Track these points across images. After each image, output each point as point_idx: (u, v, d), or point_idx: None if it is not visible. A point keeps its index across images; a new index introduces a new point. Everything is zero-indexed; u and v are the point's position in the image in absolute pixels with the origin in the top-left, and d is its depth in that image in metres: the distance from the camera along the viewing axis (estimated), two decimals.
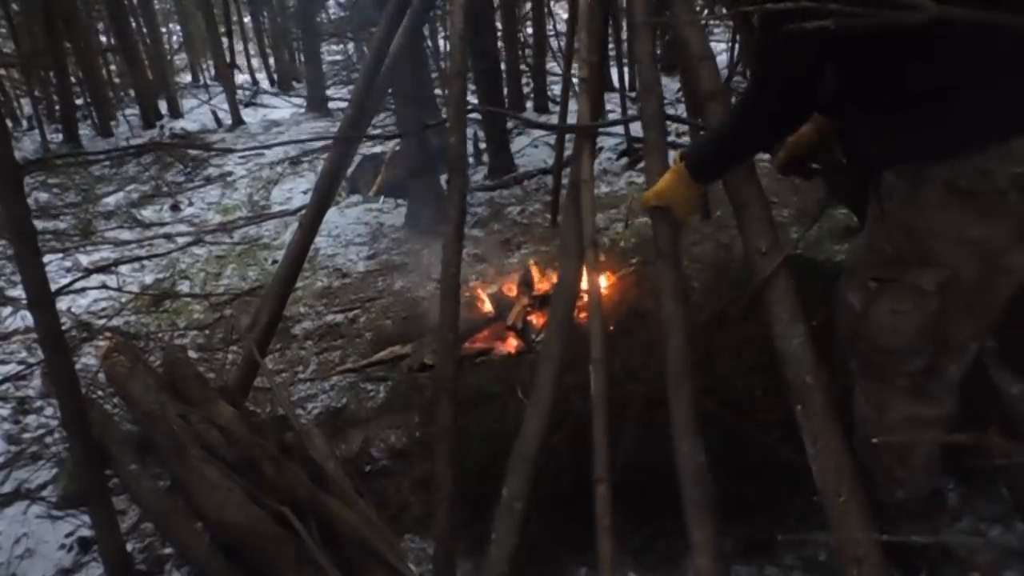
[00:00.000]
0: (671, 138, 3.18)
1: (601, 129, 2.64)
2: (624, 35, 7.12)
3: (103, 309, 4.28)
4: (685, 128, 4.44)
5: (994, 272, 1.25)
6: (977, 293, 1.27)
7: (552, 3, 9.24)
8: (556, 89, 8.00)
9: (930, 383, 1.39)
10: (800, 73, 1.32)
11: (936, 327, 1.31)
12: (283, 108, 11.38)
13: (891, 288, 1.34)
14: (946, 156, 1.21)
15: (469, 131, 5.28)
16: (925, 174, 1.24)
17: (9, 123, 9.94)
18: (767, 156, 1.68)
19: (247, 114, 11.21)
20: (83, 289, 4.10)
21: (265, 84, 14.88)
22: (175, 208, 6.65)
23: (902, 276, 1.31)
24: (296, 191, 6.72)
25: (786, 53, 1.31)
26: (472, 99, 3.12)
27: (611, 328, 2.22)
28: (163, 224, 6.18)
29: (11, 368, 3.47)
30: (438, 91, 6.51)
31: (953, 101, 1.21)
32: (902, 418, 1.43)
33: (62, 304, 3.75)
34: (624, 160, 6.31)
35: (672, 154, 1.63)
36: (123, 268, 4.77)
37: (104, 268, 4.29)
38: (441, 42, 9.33)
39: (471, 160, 6.66)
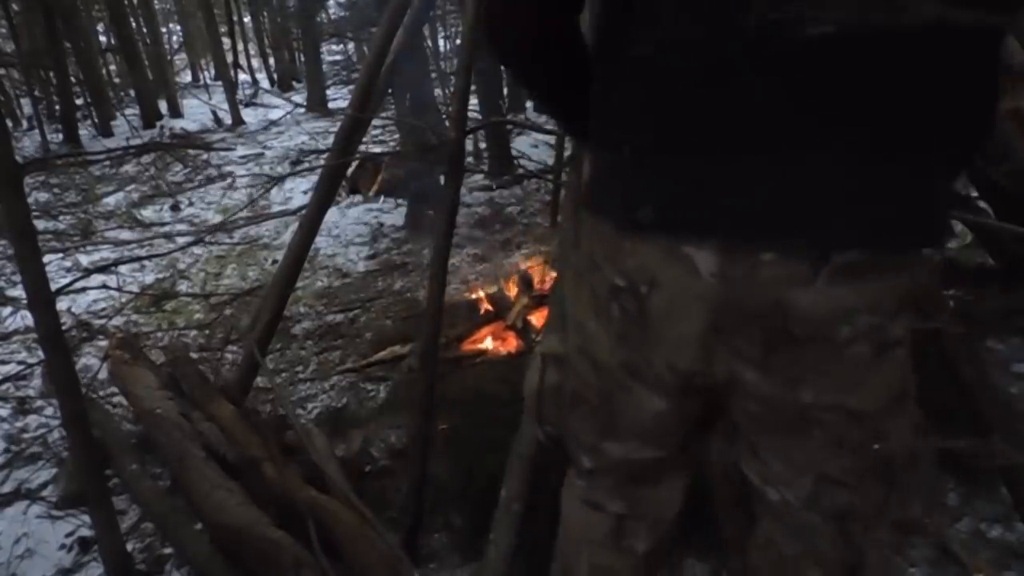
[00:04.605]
0: None
1: None
2: None
3: (103, 309, 4.28)
4: None
5: (609, 377, 0.91)
6: (597, 393, 0.94)
7: None
8: None
9: (594, 484, 1.03)
10: None
11: (557, 404, 1.00)
12: (283, 108, 11.39)
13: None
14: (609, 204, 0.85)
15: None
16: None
17: (9, 123, 9.94)
18: None
19: (247, 114, 11.23)
20: (83, 289, 4.10)
21: (265, 84, 14.91)
22: (175, 208, 6.65)
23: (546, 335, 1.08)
24: (296, 191, 6.71)
25: None
26: (473, 99, 3.13)
27: None
28: (163, 224, 6.18)
29: (11, 368, 3.47)
30: (438, 91, 6.51)
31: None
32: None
33: (62, 304, 3.75)
34: None
35: None
36: (123, 268, 4.76)
37: (104, 268, 4.29)
38: (441, 42, 9.33)
39: (471, 160, 6.66)
